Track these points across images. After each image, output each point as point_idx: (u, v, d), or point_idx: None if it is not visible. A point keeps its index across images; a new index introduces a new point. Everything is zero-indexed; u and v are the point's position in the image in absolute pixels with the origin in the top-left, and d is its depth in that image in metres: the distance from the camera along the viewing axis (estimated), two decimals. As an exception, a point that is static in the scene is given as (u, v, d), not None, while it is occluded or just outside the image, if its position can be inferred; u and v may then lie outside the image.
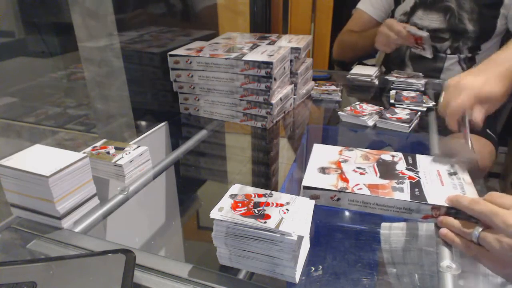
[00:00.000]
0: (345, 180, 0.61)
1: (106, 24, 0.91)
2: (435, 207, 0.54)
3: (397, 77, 1.15)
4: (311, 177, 0.61)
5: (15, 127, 1.09)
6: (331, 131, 0.99)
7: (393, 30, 1.12)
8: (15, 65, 1.08)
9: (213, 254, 0.47)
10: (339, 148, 0.71)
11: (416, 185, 0.58)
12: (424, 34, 1.09)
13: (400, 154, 0.68)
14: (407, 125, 0.87)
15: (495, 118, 1.30)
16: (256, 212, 0.46)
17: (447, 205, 0.53)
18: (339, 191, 0.58)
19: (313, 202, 0.49)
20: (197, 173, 0.88)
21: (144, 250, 0.51)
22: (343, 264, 0.56)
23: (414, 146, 0.90)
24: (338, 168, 0.64)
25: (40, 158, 0.56)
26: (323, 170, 0.64)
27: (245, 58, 0.88)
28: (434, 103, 1.00)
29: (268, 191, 0.50)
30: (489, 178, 1.53)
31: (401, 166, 0.65)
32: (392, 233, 0.57)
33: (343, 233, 0.62)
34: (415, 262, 0.55)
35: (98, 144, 0.72)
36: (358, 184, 0.59)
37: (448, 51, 1.21)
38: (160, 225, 0.82)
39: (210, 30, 1.30)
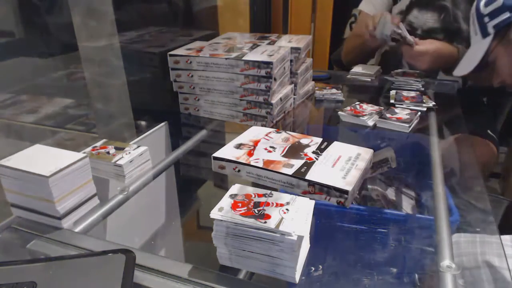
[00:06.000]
0: (250, 155, 0.63)
1: (106, 24, 0.91)
2: (311, 184, 0.56)
3: (397, 73, 1.16)
4: (224, 151, 0.65)
5: (15, 127, 1.09)
6: (331, 131, 0.99)
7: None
8: (15, 65, 1.08)
9: (213, 254, 0.47)
10: (270, 130, 0.73)
11: (307, 165, 0.60)
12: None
13: (319, 140, 0.68)
14: (407, 125, 0.87)
15: (495, 118, 1.30)
16: (256, 212, 0.46)
17: (322, 183, 0.55)
18: (239, 163, 0.61)
19: (313, 202, 0.49)
20: (197, 173, 0.88)
21: (144, 250, 0.51)
22: (343, 264, 0.56)
23: (414, 146, 0.90)
24: (253, 145, 0.66)
25: (40, 158, 0.56)
26: (238, 145, 0.67)
27: (245, 58, 0.88)
28: (434, 103, 1.00)
29: (268, 191, 0.50)
30: (489, 178, 1.53)
31: (310, 149, 0.65)
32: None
33: (343, 233, 0.62)
34: (415, 262, 0.55)
35: (98, 144, 0.72)
36: (257, 159, 0.62)
37: None
38: (160, 225, 0.82)
39: (210, 30, 1.30)
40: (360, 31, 1.27)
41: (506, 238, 0.62)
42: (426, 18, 1.19)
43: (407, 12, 1.22)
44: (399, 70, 1.23)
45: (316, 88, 1.15)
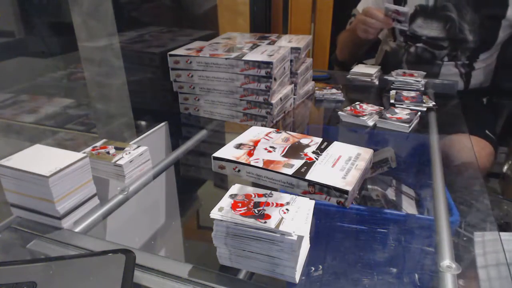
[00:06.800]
0: (250, 155, 0.63)
1: (106, 24, 0.91)
2: (311, 184, 0.56)
3: (397, 73, 1.16)
4: (224, 151, 0.65)
5: (15, 127, 1.09)
6: (331, 131, 0.99)
7: (370, 15, 1.14)
8: (15, 65, 1.09)
9: (213, 254, 0.47)
10: (270, 130, 0.73)
11: (307, 165, 0.59)
12: (405, 9, 1.10)
13: (319, 140, 0.68)
14: (407, 125, 0.87)
15: (494, 119, 1.30)
16: (256, 212, 0.46)
17: (322, 183, 0.55)
18: (239, 163, 0.61)
19: (313, 202, 0.49)
20: (197, 173, 0.88)
21: (144, 250, 0.51)
22: (343, 264, 0.56)
23: (414, 146, 0.90)
24: (253, 145, 0.66)
25: (40, 158, 0.56)
26: (238, 145, 0.67)
27: (245, 58, 0.88)
28: (434, 103, 1.00)
29: (268, 191, 0.50)
30: (489, 178, 1.53)
31: (310, 149, 0.65)
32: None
33: (343, 233, 0.62)
34: (415, 262, 0.55)
35: (98, 144, 0.72)
36: (257, 159, 0.62)
37: (446, 59, 1.21)
38: (160, 225, 0.82)
39: (210, 30, 1.30)
40: (351, 26, 1.28)
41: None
42: (431, 28, 1.19)
43: (411, 21, 1.22)
44: (399, 70, 1.23)
45: (316, 88, 1.15)
